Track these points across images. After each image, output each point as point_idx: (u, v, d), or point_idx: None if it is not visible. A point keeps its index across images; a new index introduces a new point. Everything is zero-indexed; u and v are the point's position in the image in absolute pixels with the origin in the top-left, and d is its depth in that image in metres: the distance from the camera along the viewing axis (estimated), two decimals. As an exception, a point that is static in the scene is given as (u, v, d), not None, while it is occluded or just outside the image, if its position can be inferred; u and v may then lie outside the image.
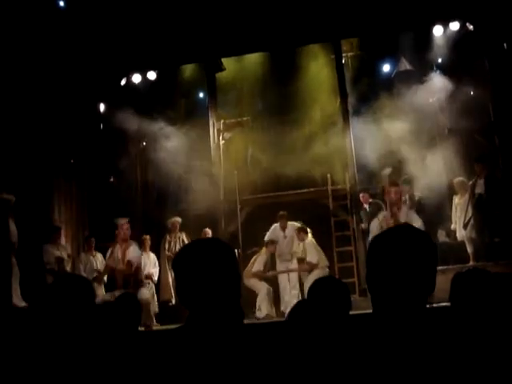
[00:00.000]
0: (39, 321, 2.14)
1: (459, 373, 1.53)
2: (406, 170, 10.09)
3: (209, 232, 10.03)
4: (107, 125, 11.42)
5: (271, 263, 9.71)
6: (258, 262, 9.53)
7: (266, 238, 9.81)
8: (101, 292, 9.30)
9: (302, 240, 9.41)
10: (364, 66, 11.48)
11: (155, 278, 9.81)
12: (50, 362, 1.99)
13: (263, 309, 9.07)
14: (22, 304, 7.78)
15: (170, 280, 10.08)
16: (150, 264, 9.83)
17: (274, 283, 9.55)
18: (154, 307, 9.43)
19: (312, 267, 9.19)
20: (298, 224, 9.72)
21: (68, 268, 9.43)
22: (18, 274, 7.95)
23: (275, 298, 9.44)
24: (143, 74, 11.16)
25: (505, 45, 9.73)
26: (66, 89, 10.41)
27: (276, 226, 9.90)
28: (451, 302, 2.80)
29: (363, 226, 9.79)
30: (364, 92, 11.11)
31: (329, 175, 10.92)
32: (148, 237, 10.13)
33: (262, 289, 9.28)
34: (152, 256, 9.99)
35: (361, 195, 10.09)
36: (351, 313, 2.82)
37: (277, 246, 9.67)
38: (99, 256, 9.77)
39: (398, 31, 10.38)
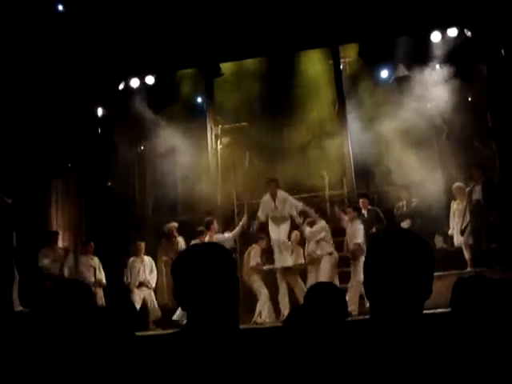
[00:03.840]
0: (39, 326, 2.13)
1: (458, 378, 1.52)
2: (404, 176, 10.10)
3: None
4: (105, 129, 11.42)
5: (268, 256, 9.53)
6: (253, 256, 9.34)
7: (259, 213, 9.52)
8: (100, 295, 9.35)
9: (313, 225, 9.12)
10: (362, 72, 11.48)
11: (152, 283, 9.83)
12: (49, 367, 1.98)
13: (264, 314, 8.95)
14: (19, 308, 7.75)
15: (167, 284, 10.08)
16: (145, 269, 9.83)
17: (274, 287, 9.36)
18: (156, 312, 9.64)
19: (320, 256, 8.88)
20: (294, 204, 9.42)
21: (65, 272, 9.40)
22: (17, 278, 7.95)
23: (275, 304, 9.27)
24: (141, 78, 11.17)
25: (502, 51, 9.76)
26: (63, 93, 10.41)
27: (266, 196, 9.57)
28: (452, 308, 2.79)
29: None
30: (362, 97, 11.11)
31: (326, 180, 10.92)
32: (143, 243, 10.11)
33: (263, 293, 9.08)
34: (147, 261, 9.98)
35: (360, 200, 10.06)
36: (348, 319, 2.81)
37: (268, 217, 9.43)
38: (96, 260, 9.77)
39: (397, 37, 10.39)
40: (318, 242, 8.98)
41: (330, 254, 8.92)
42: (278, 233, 9.37)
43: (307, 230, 9.08)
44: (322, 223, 9.08)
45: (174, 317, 8.98)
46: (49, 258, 9.22)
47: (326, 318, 2.64)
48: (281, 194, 9.48)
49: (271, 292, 9.26)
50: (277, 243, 9.31)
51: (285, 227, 9.42)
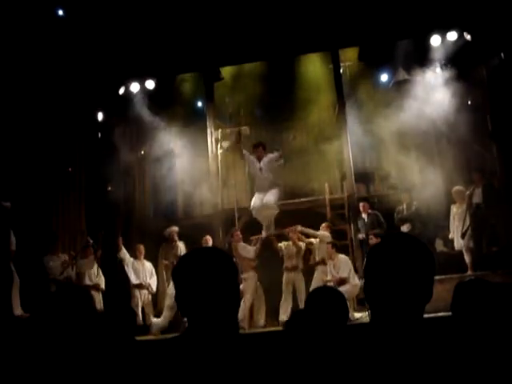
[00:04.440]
0: (38, 330, 2.13)
1: (459, 382, 1.52)
2: (404, 179, 10.10)
3: (209, 239, 9.98)
4: (105, 133, 11.42)
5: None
6: (248, 250, 9.43)
7: (246, 157, 9.60)
8: (99, 299, 9.33)
9: (331, 257, 9.06)
10: (362, 75, 11.49)
11: (153, 287, 9.83)
12: (48, 372, 1.98)
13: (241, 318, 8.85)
14: (19, 313, 7.74)
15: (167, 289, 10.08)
16: (145, 273, 9.84)
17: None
18: (149, 316, 9.66)
19: (342, 281, 8.78)
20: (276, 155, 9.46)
21: (68, 276, 9.37)
22: (17, 282, 7.94)
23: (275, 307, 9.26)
24: (141, 82, 11.17)
25: (502, 54, 9.77)
26: (64, 97, 10.41)
27: (253, 158, 9.60)
28: (452, 312, 2.79)
29: (360, 235, 9.78)
30: (362, 101, 11.12)
31: (326, 184, 10.91)
32: (142, 246, 10.12)
33: (248, 297, 9.04)
34: (147, 265, 9.98)
35: (361, 204, 10.07)
36: (348, 323, 2.80)
37: (254, 179, 9.60)
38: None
39: (396, 41, 10.40)
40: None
41: None
42: (263, 199, 9.39)
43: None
44: None
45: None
46: (51, 264, 9.22)
47: (326, 322, 2.63)
48: (267, 157, 9.49)
49: (273, 295, 9.27)
50: (258, 209, 9.37)
51: (271, 194, 9.41)
